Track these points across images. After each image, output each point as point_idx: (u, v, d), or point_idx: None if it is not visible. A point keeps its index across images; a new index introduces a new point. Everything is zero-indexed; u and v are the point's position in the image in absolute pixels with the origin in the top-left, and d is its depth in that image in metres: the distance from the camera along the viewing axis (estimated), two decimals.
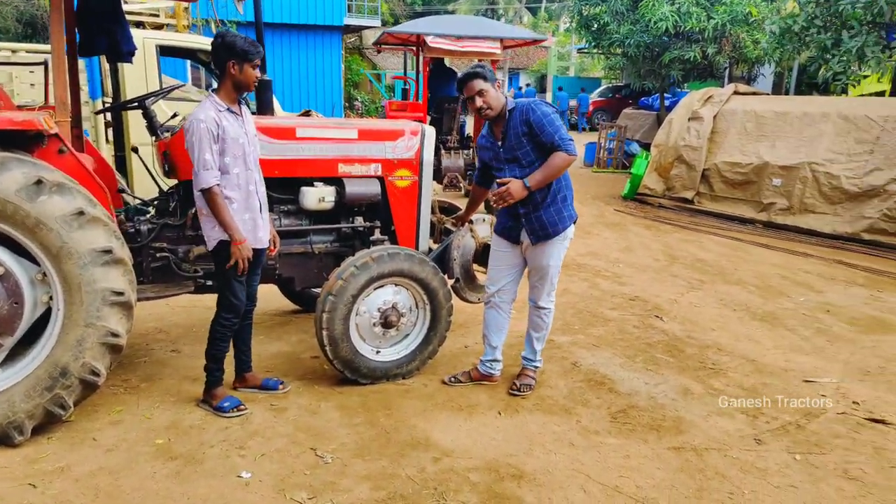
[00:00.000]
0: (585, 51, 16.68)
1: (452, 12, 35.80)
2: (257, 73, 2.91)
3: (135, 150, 3.76)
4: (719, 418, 3.20)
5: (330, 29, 16.09)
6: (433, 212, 4.24)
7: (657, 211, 9.13)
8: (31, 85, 6.08)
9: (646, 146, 12.01)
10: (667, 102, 13.68)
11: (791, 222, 7.80)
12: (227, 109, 2.94)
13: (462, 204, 4.48)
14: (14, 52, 6.15)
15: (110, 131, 5.24)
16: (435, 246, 4.04)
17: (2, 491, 2.47)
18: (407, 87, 10.70)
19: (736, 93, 9.39)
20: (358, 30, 20.91)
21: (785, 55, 9.10)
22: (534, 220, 3.17)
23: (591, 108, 21.84)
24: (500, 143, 3.17)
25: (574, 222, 3.27)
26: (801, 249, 7.02)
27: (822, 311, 4.97)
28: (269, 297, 4.68)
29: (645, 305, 4.96)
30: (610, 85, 22.41)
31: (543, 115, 3.04)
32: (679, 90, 15.54)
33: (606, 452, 2.86)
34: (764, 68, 12.73)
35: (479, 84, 3.05)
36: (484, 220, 3.92)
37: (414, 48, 9.05)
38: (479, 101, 3.07)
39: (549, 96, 25.87)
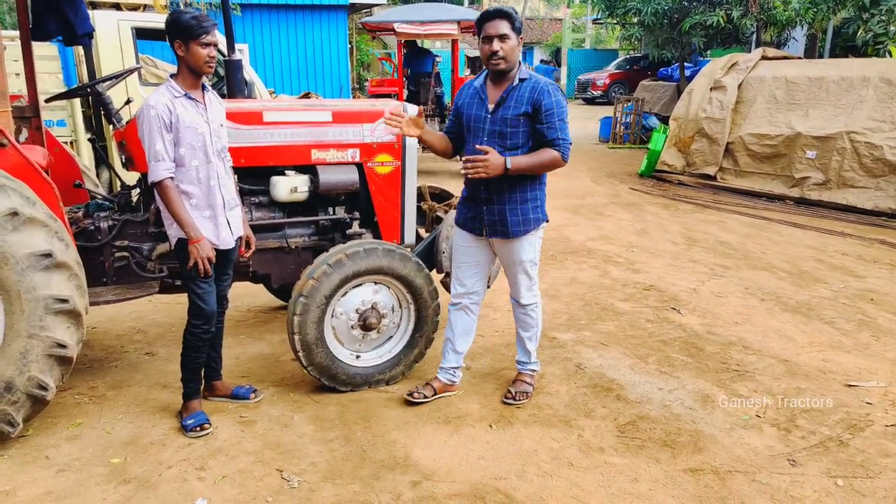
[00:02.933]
0: (601, 21, 15.97)
1: None
2: (209, 52, 2.57)
3: (92, 140, 3.47)
4: (745, 432, 2.80)
5: (335, 8, 15.63)
6: (423, 199, 3.90)
7: (676, 189, 8.63)
8: (17, 74, 5.85)
9: (664, 120, 11.43)
10: (687, 72, 13.01)
11: (827, 198, 7.27)
12: (185, 95, 2.63)
13: (452, 188, 4.13)
14: None
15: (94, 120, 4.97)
16: (426, 235, 3.71)
17: None
18: (394, 65, 12.88)
19: (764, 58, 8.77)
20: (365, 8, 20.39)
21: (818, 16, 8.47)
22: (495, 213, 2.81)
23: (607, 80, 21.11)
24: (490, 106, 2.77)
25: (545, 223, 2.92)
26: (838, 228, 6.49)
27: (865, 299, 4.50)
28: (254, 292, 4.41)
29: (661, 296, 4.56)
30: (627, 56, 21.62)
31: (558, 104, 2.69)
32: (701, 58, 14.80)
33: (611, 475, 2.51)
34: (795, 31, 11.96)
35: (504, 27, 2.64)
36: None
37: (392, 32, 10.56)
38: (496, 45, 2.64)
39: (564, 70, 25.10)
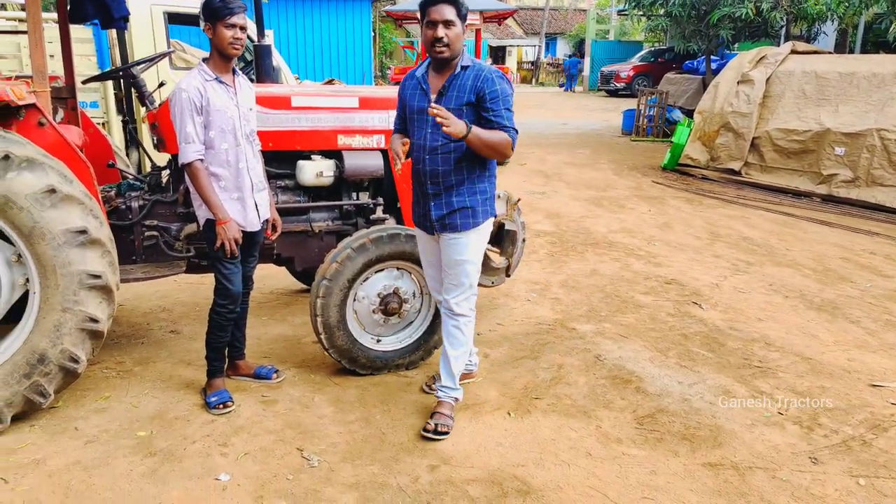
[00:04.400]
0: (626, 12, 15.75)
1: None
2: (234, 33, 2.60)
3: (125, 121, 3.53)
4: (766, 429, 2.79)
5: None
6: None
7: (700, 183, 8.53)
8: (51, 56, 5.96)
9: (689, 113, 11.28)
10: (714, 65, 12.80)
11: (855, 196, 7.14)
12: (216, 79, 2.68)
13: None
14: (21, 20, 6.00)
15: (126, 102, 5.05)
16: None
17: None
18: (417, 53, 12.97)
19: (794, 52, 8.59)
20: None
21: (850, 11, 8.27)
22: (443, 206, 2.62)
23: (631, 72, 20.87)
24: (433, 97, 2.59)
25: (492, 218, 2.74)
26: (866, 227, 6.37)
27: (892, 299, 4.42)
28: (277, 275, 4.48)
29: (682, 290, 4.53)
30: (652, 48, 21.33)
31: (503, 91, 2.52)
32: (728, 52, 14.54)
33: (629, 466, 2.51)
34: (825, 26, 11.70)
35: (450, 12, 2.47)
36: (499, 196, 3.56)
37: (417, 21, 10.48)
38: (441, 31, 2.46)
39: (587, 62, 24.84)
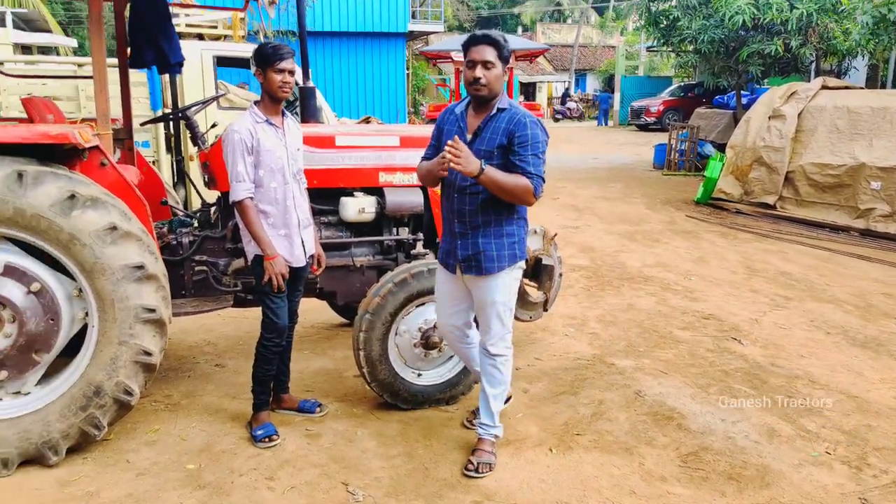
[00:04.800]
0: (655, 49, 15.92)
1: (518, 16, 35.52)
2: (283, 77, 2.74)
3: (181, 160, 3.71)
4: (814, 469, 2.73)
5: (394, 35, 16.16)
6: None
7: (734, 217, 8.45)
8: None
9: (720, 147, 11.24)
10: (744, 100, 12.79)
11: (894, 230, 7.00)
12: (266, 121, 2.82)
13: None
14: (80, 65, 6.37)
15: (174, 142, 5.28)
16: None
17: None
18: (450, 90, 14.16)
19: (824, 87, 8.58)
20: (422, 35, 20.96)
21: (880, 46, 8.25)
22: (469, 247, 2.62)
23: (661, 107, 20.95)
24: (468, 136, 2.62)
25: (522, 262, 2.72)
26: None
27: None
28: (317, 308, 4.56)
29: (721, 325, 4.48)
30: (681, 84, 21.41)
31: (534, 137, 2.51)
32: (758, 87, 14.53)
33: None
34: (856, 61, 11.64)
35: (490, 53, 2.48)
36: (536, 231, 3.61)
37: (450, 60, 11.38)
38: (479, 72, 2.48)
39: (617, 97, 25.03)
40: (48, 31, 13.40)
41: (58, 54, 13.05)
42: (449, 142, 2.44)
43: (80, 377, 2.74)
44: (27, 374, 2.75)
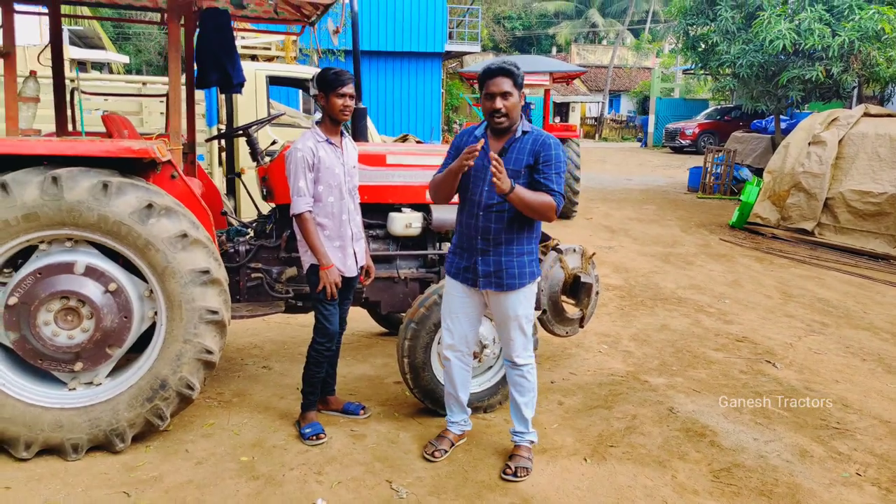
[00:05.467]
0: (692, 72, 15.91)
1: (552, 36, 35.79)
2: (344, 101, 2.96)
3: (239, 174, 3.96)
4: (844, 489, 2.79)
5: (431, 56, 16.53)
6: None
7: (770, 242, 8.42)
8: (161, 113, 6.70)
9: (757, 172, 11.20)
10: (783, 125, 12.70)
11: None
12: (326, 140, 3.02)
13: (551, 231, 4.32)
14: (144, 84, 6.79)
15: (224, 156, 5.60)
16: None
17: (99, 497, 2.61)
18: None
19: (866, 114, 8.52)
20: (458, 55, 21.35)
21: None
22: (491, 263, 2.74)
23: (696, 130, 20.86)
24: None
25: (539, 278, 2.86)
26: None
27: None
28: (357, 317, 4.75)
29: (755, 348, 4.52)
30: (718, 106, 21.30)
31: (557, 157, 2.67)
32: (798, 111, 14.40)
33: None
34: None
35: (507, 84, 2.64)
36: (574, 249, 3.75)
37: None
38: (499, 103, 2.64)
39: (651, 119, 24.98)
40: (102, 48, 14.12)
41: (111, 71, 13.75)
42: (492, 154, 2.57)
43: (148, 371, 2.97)
44: (100, 366, 2.98)
